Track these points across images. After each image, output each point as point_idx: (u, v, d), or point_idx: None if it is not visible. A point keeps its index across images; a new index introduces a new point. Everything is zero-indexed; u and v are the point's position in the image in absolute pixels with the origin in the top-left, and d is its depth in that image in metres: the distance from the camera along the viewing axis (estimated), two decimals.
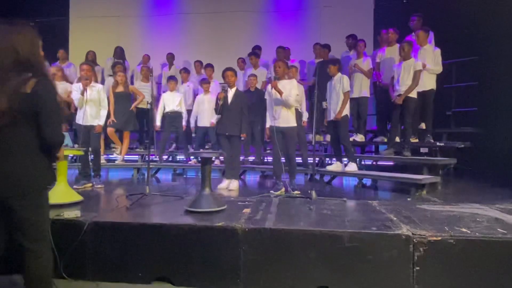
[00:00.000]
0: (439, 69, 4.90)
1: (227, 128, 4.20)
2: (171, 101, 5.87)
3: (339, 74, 4.61)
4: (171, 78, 5.97)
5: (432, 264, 2.12)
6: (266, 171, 5.86)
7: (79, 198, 3.09)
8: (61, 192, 3.02)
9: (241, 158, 6.11)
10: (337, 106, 4.56)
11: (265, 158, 6.16)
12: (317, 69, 3.88)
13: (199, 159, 3.26)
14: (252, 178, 5.73)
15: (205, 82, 5.79)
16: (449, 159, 4.50)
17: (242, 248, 2.27)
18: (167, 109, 5.86)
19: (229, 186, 4.24)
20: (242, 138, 4.36)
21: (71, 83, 5.83)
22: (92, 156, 4.26)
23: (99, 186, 4.21)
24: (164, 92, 6.20)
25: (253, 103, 5.55)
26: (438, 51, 4.88)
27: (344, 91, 4.51)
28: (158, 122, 5.88)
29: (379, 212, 2.78)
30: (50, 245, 1.75)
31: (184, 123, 5.99)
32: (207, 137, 5.94)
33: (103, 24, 7.77)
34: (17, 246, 1.66)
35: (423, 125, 5.14)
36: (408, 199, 3.72)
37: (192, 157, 5.96)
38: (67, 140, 3.32)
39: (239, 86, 6.21)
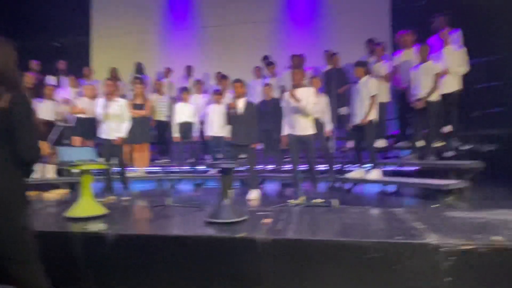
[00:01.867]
0: (464, 69, 4.74)
1: (239, 138, 4.22)
2: (183, 112, 5.96)
3: (366, 76, 4.50)
4: (184, 89, 6.08)
5: (464, 274, 2.02)
6: (285, 180, 5.81)
7: (104, 211, 3.16)
8: (87, 206, 3.10)
9: (259, 167, 6.14)
10: (363, 110, 4.45)
11: (284, 166, 6.11)
12: (325, 77, 3.89)
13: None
14: (271, 187, 5.70)
15: (217, 93, 5.87)
16: (476, 162, 4.31)
17: (263, 259, 2.24)
18: (179, 120, 5.95)
19: (249, 196, 4.25)
20: (254, 147, 4.38)
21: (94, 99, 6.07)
22: (118, 169, 4.37)
23: (126, 198, 4.24)
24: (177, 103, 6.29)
25: (269, 111, 5.56)
26: (463, 50, 4.72)
27: (371, 94, 4.39)
28: (175, 134, 5.99)
29: (404, 221, 2.69)
30: (39, 266, 1.60)
31: (194, 133, 6.05)
32: (216, 147, 5.96)
33: (124, 41, 8.06)
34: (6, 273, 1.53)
35: (448, 128, 4.97)
36: (435, 206, 3.58)
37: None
38: (92, 154, 3.43)
39: (256, 95, 6.27)
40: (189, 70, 7.08)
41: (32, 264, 1.57)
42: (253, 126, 4.28)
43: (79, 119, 5.70)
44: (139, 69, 6.91)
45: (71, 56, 7.48)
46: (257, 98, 6.30)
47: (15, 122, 1.45)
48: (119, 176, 4.44)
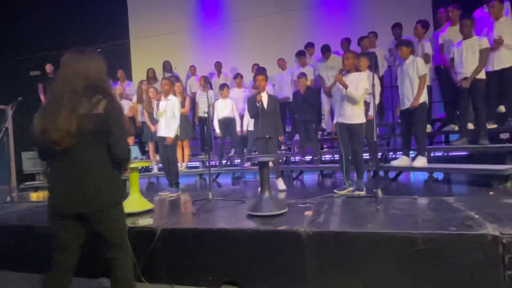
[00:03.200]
0: None
1: (266, 131, 4.20)
2: (223, 107, 6.05)
3: (412, 56, 4.20)
4: (223, 85, 6.15)
5: None
6: (324, 170, 5.71)
7: (150, 206, 3.31)
8: (135, 201, 3.27)
9: (297, 158, 6.09)
10: (412, 92, 4.18)
11: (323, 157, 6.01)
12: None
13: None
14: (310, 178, 5.63)
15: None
16: None
17: (307, 252, 2.22)
18: (220, 116, 6.05)
19: (279, 187, 4.30)
20: (278, 140, 4.39)
21: (131, 100, 6.40)
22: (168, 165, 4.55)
23: (174, 194, 4.35)
24: (216, 99, 6.40)
25: (305, 102, 5.47)
26: None
27: (420, 75, 4.09)
28: (217, 129, 6.11)
29: (457, 210, 2.52)
30: (129, 251, 1.87)
31: (238, 128, 6.13)
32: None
33: (159, 41, 8.32)
34: (102, 254, 1.81)
35: (502, 108, 4.56)
36: (491, 193, 3.31)
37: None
38: (136, 152, 3.60)
39: (285, 86, 6.20)
40: (218, 66, 7.16)
41: (126, 248, 1.84)
42: (278, 119, 4.35)
43: None
44: (168, 67, 7.11)
45: (112, 59, 7.86)
46: (284, 90, 6.25)
47: (111, 125, 1.65)
48: (168, 173, 4.61)
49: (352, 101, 3.70)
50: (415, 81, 4.14)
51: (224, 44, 7.95)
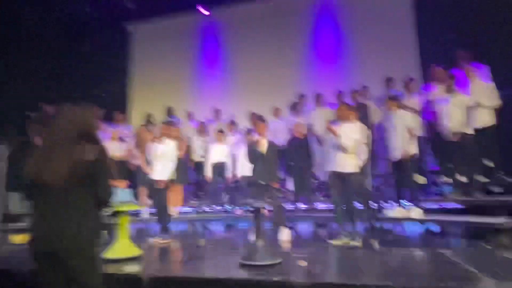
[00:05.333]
0: (495, 103, 4.56)
1: (262, 177, 4.20)
2: (218, 152, 6.10)
3: (400, 110, 4.40)
4: (219, 131, 6.27)
5: None
6: (319, 220, 5.60)
7: (139, 252, 3.18)
8: (123, 247, 3.14)
9: (292, 206, 6.00)
10: (401, 144, 4.29)
11: (317, 205, 5.93)
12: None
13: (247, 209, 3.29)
14: (305, 227, 5.50)
15: (250, 132, 5.95)
16: None
17: None
18: (214, 160, 6.07)
19: (279, 236, 4.13)
20: (275, 186, 4.30)
21: (126, 142, 6.45)
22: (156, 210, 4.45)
23: (164, 241, 4.15)
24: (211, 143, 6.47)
25: (303, 148, 5.57)
26: (491, 84, 4.60)
27: (409, 127, 4.26)
28: (209, 173, 6.09)
29: (455, 263, 2.46)
30: None
31: (229, 174, 6.12)
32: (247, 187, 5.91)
33: (160, 87, 8.62)
34: None
35: (490, 163, 4.68)
36: (486, 246, 3.26)
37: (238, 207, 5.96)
38: (129, 196, 3.54)
39: (279, 133, 6.33)
40: (216, 112, 7.36)
41: None
42: (275, 166, 4.32)
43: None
44: (170, 112, 7.29)
45: (111, 103, 8.03)
46: (278, 136, 6.37)
47: (99, 171, 1.79)
48: (159, 218, 4.50)
49: (344, 150, 3.78)
50: (404, 134, 4.28)
51: (222, 91, 8.25)
